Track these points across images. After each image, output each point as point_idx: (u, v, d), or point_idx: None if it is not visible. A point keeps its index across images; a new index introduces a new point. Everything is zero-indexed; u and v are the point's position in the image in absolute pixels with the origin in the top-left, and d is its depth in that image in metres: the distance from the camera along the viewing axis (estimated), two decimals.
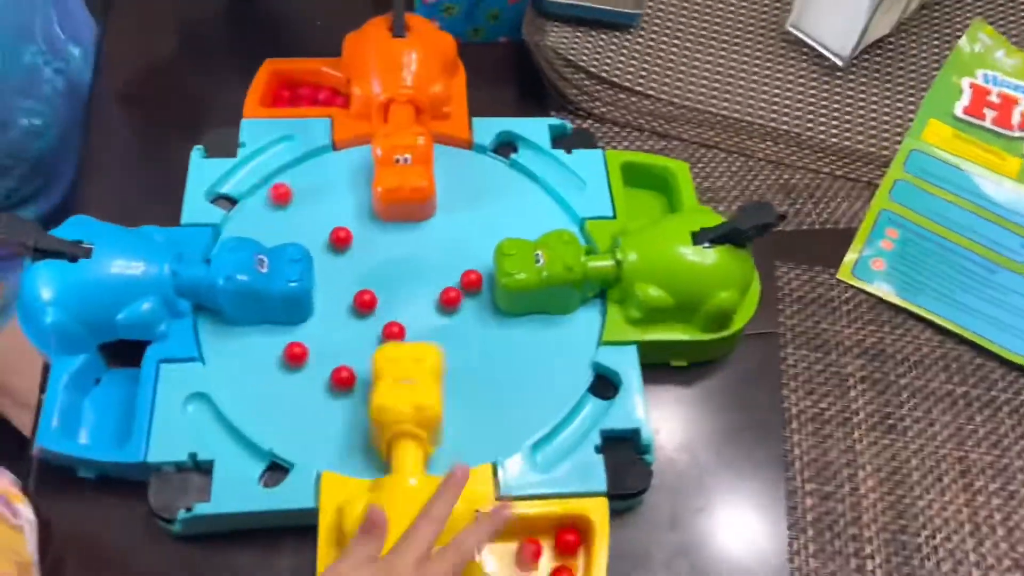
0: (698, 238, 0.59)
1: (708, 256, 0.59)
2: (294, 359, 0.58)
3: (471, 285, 0.62)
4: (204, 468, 0.54)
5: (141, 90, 0.77)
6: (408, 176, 0.63)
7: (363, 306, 0.61)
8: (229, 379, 0.57)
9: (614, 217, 0.66)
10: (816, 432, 0.61)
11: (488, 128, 0.70)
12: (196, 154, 0.67)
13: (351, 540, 0.48)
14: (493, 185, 0.68)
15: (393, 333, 0.60)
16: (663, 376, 0.62)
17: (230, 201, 0.66)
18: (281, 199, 0.65)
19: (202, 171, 0.66)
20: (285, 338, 0.59)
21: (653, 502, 0.57)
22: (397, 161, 0.63)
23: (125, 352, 0.59)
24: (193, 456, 0.54)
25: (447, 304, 0.61)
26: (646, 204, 0.70)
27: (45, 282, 0.55)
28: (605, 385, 0.59)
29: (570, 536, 0.54)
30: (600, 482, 0.55)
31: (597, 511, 0.53)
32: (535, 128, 0.70)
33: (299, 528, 0.53)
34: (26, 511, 0.51)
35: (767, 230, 0.58)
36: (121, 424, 0.57)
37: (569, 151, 0.69)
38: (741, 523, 0.58)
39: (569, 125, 0.71)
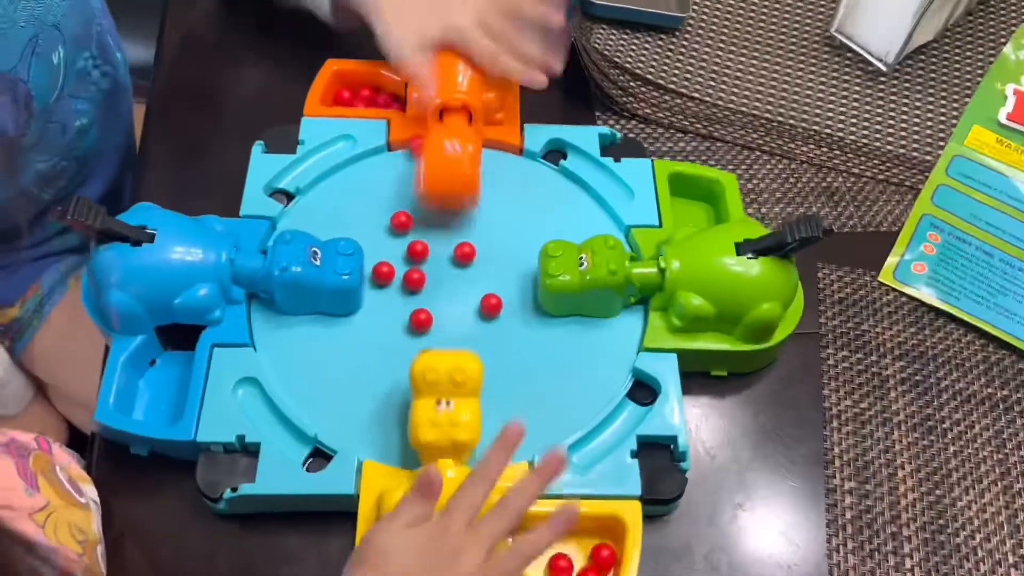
0: (742, 249, 0.60)
1: (752, 267, 0.59)
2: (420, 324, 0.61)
3: (491, 309, 0.63)
4: (251, 450, 0.56)
5: (202, 88, 0.80)
6: (454, 159, 0.64)
7: (418, 324, 0.62)
8: (279, 366, 0.59)
9: (660, 226, 0.67)
10: (856, 432, 0.61)
11: (539, 135, 0.71)
12: (257, 149, 0.69)
13: (402, 498, 0.49)
14: (541, 190, 0.70)
15: (420, 321, 0.61)
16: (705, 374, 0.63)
17: (287, 196, 0.68)
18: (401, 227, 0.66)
19: (262, 166, 0.68)
20: (335, 329, 0.61)
21: (692, 497, 0.58)
22: (446, 148, 0.65)
23: (180, 336, 0.61)
24: (241, 438, 0.56)
25: (487, 311, 0.63)
26: (692, 214, 0.70)
27: (110, 264, 0.57)
28: (644, 391, 0.60)
29: (606, 551, 0.54)
30: (635, 486, 0.55)
31: (631, 513, 0.54)
32: (585, 136, 0.71)
33: (347, 513, 0.55)
34: (91, 491, 0.54)
35: (813, 243, 0.58)
36: (174, 404, 0.59)
37: (618, 159, 0.70)
38: (780, 519, 0.58)
39: (619, 134, 0.72)
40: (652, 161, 0.70)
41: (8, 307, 0.79)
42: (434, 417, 0.53)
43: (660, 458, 0.57)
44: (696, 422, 0.61)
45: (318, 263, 0.60)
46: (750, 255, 0.59)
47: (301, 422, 0.56)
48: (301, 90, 0.73)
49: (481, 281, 0.64)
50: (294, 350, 0.60)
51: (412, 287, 0.63)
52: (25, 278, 0.80)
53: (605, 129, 0.71)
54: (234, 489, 0.54)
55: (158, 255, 0.58)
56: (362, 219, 0.66)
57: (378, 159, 0.70)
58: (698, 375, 0.63)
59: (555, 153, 0.71)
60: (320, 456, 0.56)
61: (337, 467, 0.55)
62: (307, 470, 0.55)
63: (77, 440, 0.82)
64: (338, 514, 0.55)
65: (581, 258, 0.61)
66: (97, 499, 0.54)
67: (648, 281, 0.61)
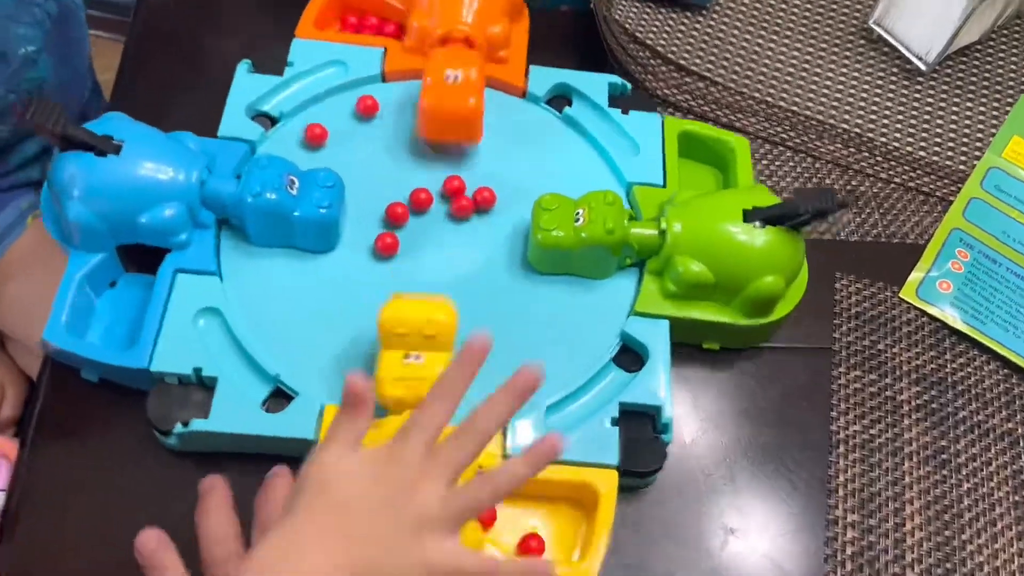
0: (750, 216, 0.56)
1: (758, 236, 0.56)
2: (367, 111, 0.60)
3: (484, 202, 0.60)
4: (207, 384, 0.52)
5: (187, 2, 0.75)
6: (456, 90, 0.60)
7: (385, 249, 0.58)
8: (245, 299, 0.56)
9: (664, 186, 0.63)
10: (864, 460, 0.57)
11: (544, 78, 0.67)
12: (242, 68, 0.65)
13: (331, 422, 0.42)
14: (541, 137, 0.65)
15: (387, 245, 0.58)
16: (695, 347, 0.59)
17: (271, 120, 0.63)
18: (367, 111, 0.63)
19: (246, 86, 0.64)
20: (307, 265, 0.58)
21: (673, 479, 0.55)
22: (447, 78, 0.60)
23: (144, 259, 0.57)
24: (198, 371, 0.52)
25: (481, 203, 0.60)
26: (699, 178, 0.66)
27: (71, 173, 0.53)
28: (631, 357, 0.57)
29: (534, 542, 0.51)
30: (612, 455, 0.52)
31: (605, 483, 0.51)
32: (594, 83, 0.67)
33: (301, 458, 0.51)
34: None
35: (825, 216, 0.55)
36: (130, 329, 0.55)
37: (626, 112, 0.66)
38: (774, 547, 0.54)
39: (629, 85, 0.67)
40: (663, 117, 0.66)
41: None
42: (401, 371, 0.50)
43: (641, 429, 0.54)
44: (689, 435, 0.57)
45: (295, 192, 0.56)
46: (758, 223, 0.56)
47: (263, 359, 0.53)
48: (296, 13, 0.68)
49: (468, 228, 0.60)
50: (262, 283, 0.57)
51: (394, 223, 0.59)
52: None
53: (616, 77, 0.67)
54: (185, 424, 0.51)
55: (124, 168, 0.54)
56: (350, 152, 0.62)
57: (370, 89, 0.66)
58: (688, 349, 0.59)
59: (560, 99, 0.67)
60: (281, 396, 0.53)
61: (298, 409, 0.52)
62: (266, 410, 0.52)
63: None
64: (298, 459, 0.52)
65: (577, 213, 0.57)
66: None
67: (646, 242, 0.57)
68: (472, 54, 0.63)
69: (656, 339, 0.56)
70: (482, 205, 0.61)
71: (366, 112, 0.63)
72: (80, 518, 0.52)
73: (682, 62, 0.71)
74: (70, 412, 0.55)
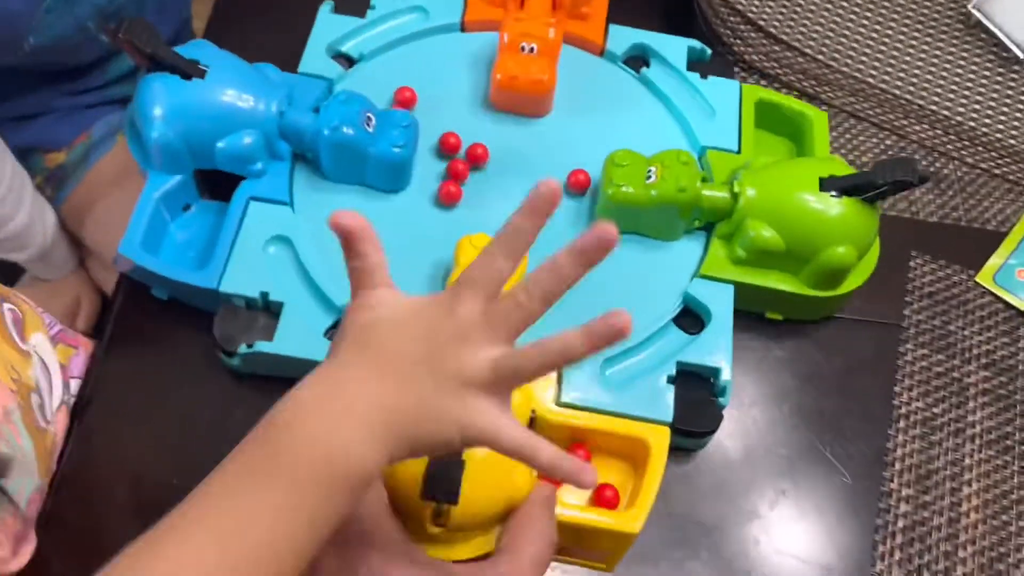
0: (826, 185, 0.55)
1: (833, 206, 0.55)
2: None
3: (578, 185, 0.59)
4: (273, 309, 0.53)
5: None
6: (530, 66, 0.60)
7: (448, 198, 0.58)
8: (315, 230, 0.56)
9: (738, 152, 0.62)
10: (924, 437, 0.56)
11: (624, 37, 0.66)
12: (325, 8, 0.65)
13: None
14: (617, 97, 0.65)
15: (478, 156, 0.58)
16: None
17: (349, 61, 0.64)
18: (405, 104, 0.62)
19: (328, 25, 0.64)
20: (378, 203, 0.58)
21: (724, 472, 0.54)
22: (523, 49, 0.61)
23: (219, 185, 0.58)
24: (264, 295, 0.53)
25: (575, 187, 0.59)
26: (774, 148, 0.65)
27: (156, 94, 0.54)
28: (692, 320, 0.56)
29: (609, 492, 0.50)
30: (667, 412, 0.52)
31: (657, 438, 0.50)
32: (673, 46, 0.66)
33: None
34: (43, 346, 0.51)
35: (905, 188, 0.53)
36: (201, 252, 0.57)
37: (705, 76, 0.65)
38: (826, 514, 0.54)
39: (709, 50, 0.66)
40: (740, 84, 0.65)
41: (55, 151, 0.77)
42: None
43: (699, 390, 0.54)
44: (737, 393, 0.57)
45: (371, 130, 0.56)
46: (834, 193, 0.55)
47: (329, 289, 0.54)
48: None
49: (537, 178, 0.60)
50: None
51: (469, 171, 0.60)
52: (76, 125, 0.77)
53: (695, 42, 0.66)
54: (250, 345, 0.52)
55: (207, 93, 0.55)
56: (423, 99, 0.63)
57: (449, 38, 0.66)
58: (751, 319, 0.59)
59: (637, 60, 0.67)
60: None
61: None
62: (328, 338, 0.53)
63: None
64: None
65: (649, 171, 0.57)
66: (48, 358, 0.51)
67: (718, 205, 0.57)
68: (549, 18, 0.62)
69: (719, 303, 0.56)
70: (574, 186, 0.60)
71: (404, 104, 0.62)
72: (141, 421, 0.54)
73: (772, 31, 0.70)
74: (141, 327, 0.57)
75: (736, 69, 0.70)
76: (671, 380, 0.53)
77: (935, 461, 0.55)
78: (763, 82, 0.70)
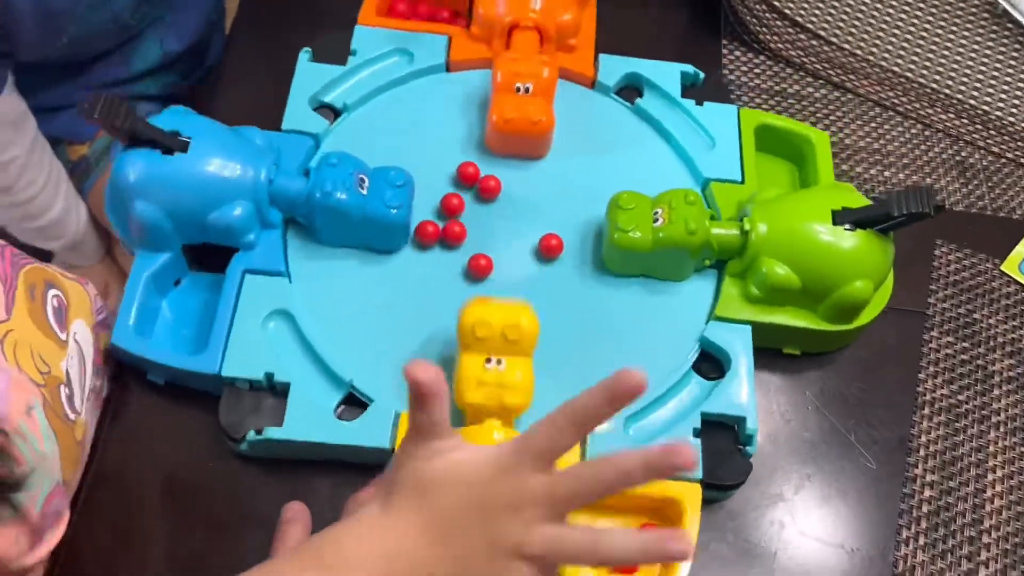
0: (839, 217, 0.53)
1: (847, 239, 0.53)
2: (479, 270, 0.55)
3: (550, 251, 0.57)
4: (279, 390, 0.51)
5: None
6: (527, 107, 0.58)
7: (453, 238, 0.57)
8: (314, 301, 0.54)
9: (742, 182, 0.60)
10: (948, 423, 0.56)
11: (615, 67, 0.64)
12: (303, 57, 0.63)
13: (409, 418, 0.39)
14: (612, 131, 0.63)
15: (480, 267, 0.56)
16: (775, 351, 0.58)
17: (334, 112, 0.61)
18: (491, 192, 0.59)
19: (308, 76, 0.62)
20: (377, 265, 0.56)
21: (758, 462, 0.53)
22: (518, 90, 0.59)
23: (208, 257, 0.56)
24: (269, 376, 0.51)
25: (546, 252, 0.57)
26: (777, 173, 0.64)
27: (136, 170, 0.51)
28: (710, 364, 0.55)
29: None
30: (696, 469, 0.50)
31: (690, 498, 0.49)
32: (665, 73, 0.64)
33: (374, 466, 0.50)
34: (83, 334, 0.50)
35: (920, 219, 0.52)
36: (198, 331, 0.54)
37: (700, 103, 0.63)
38: (849, 498, 0.54)
39: (702, 74, 0.65)
40: (738, 108, 0.63)
41: (79, 144, 0.78)
42: (482, 376, 0.48)
43: (723, 439, 0.52)
44: (768, 382, 0.57)
45: (365, 192, 0.54)
46: (848, 226, 0.53)
47: (336, 364, 0.51)
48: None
49: (538, 227, 0.58)
50: (332, 284, 0.55)
51: (453, 241, 0.57)
52: None
53: (688, 67, 0.64)
54: (259, 431, 0.50)
55: (192, 166, 0.52)
56: (414, 147, 0.60)
57: (435, 79, 0.64)
58: (765, 351, 0.57)
59: (630, 90, 0.65)
60: (354, 404, 0.51)
61: (372, 417, 0.50)
62: (339, 417, 0.51)
63: None
64: (371, 467, 0.51)
65: (656, 213, 0.55)
66: (85, 345, 0.50)
67: (728, 244, 0.55)
68: (541, 55, 0.60)
69: (738, 345, 0.54)
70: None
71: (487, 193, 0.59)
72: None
73: (798, 19, 0.70)
74: (137, 415, 0.54)
75: (766, 67, 0.69)
76: (697, 433, 0.51)
77: (959, 448, 0.56)
78: (789, 70, 0.69)
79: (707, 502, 0.52)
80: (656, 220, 0.55)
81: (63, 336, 0.48)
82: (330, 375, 0.52)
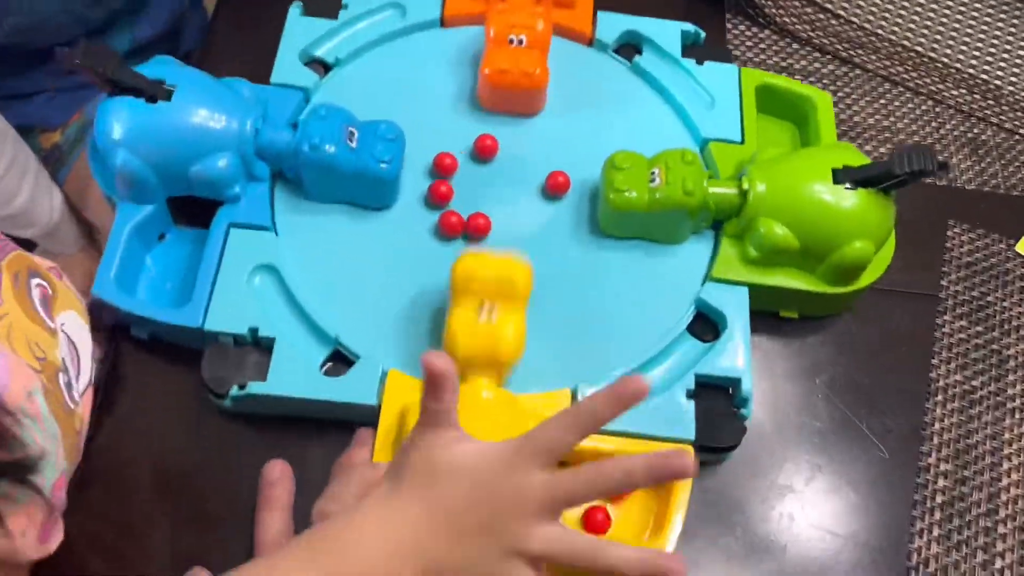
0: (840, 176, 0.52)
1: (848, 198, 0.52)
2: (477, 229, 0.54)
3: (556, 188, 0.56)
4: (264, 345, 0.50)
5: None
6: (520, 60, 0.57)
7: (440, 198, 0.55)
8: (301, 256, 0.53)
9: (742, 142, 0.59)
10: (963, 410, 0.55)
11: (613, 25, 0.63)
12: (294, 11, 0.61)
13: (421, 405, 0.39)
14: (611, 90, 0.62)
15: (478, 226, 0.54)
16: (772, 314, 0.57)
17: (324, 67, 0.60)
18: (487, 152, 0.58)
19: (298, 30, 0.60)
20: (366, 221, 0.55)
21: (757, 446, 0.53)
22: (511, 42, 0.57)
23: (193, 211, 0.55)
24: (254, 331, 0.50)
25: (552, 190, 0.56)
26: (778, 135, 0.62)
27: (119, 119, 0.50)
28: (706, 326, 0.54)
29: (600, 515, 0.48)
30: (688, 430, 0.49)
31: None
32: (666, 31, 0.63)
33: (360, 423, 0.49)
34: (72, 324, 0.48)
35: (923, 178, 0.51)
36: (182, 286, 0.53)
37: (701, 63, 0.62)
38: (861, 489, 0.52)
39: (703, 33, 0.63)
40: (739, 68, 0.62)
41: (50, 131, 0.75)
42: (474, 328, 0.47)
43: (718, 401, 0.51)
44: (775, 366, 0.55)
45: (354, 145, 0.53)
46: (848, 185, 0.52)
47: (322, 320, 0.50)
48: None
49: (531, 188, 0.57)
50: (319, 240, 0.54)
51: (446, 174, 0.57)
52: (69, 104, 0.74)
53: (688, 25, 0.63)
54: (242, 386, 0.49)
55: (175, 115, 0.51)
56: (407, 102, 0.59)
57: (429, 35, 0.62)
58: (764, 316, 0.56)
59: (629, 48, 0.63)
60: (340, 360, 0.50)
61: (359, 374, 0.49)
62: (325, 374, 0.50)
63: None
64: (357, 424, 0.50)
65: (652, 173, 0.54)
66: (77, 336, 0.49)
67: (726, 204, 0.54)
68: (535, 8, 0.59)
69: (734, 307, 0.53)
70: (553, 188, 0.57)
71: (485, 153, 0.58)
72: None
73: None
74: (121, 370, 0.53)
75: (772, 41, 0.68)
76: (691, 395, 0.50)
77: (974, 435, 0.54)
78: (795, 44, 0.68)
79: (702, 464, 0.51)
80: (653, 180, 0.53)
81: (52, 325, 0.47)
82: (316, 331, 0.50)
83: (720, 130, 0.59)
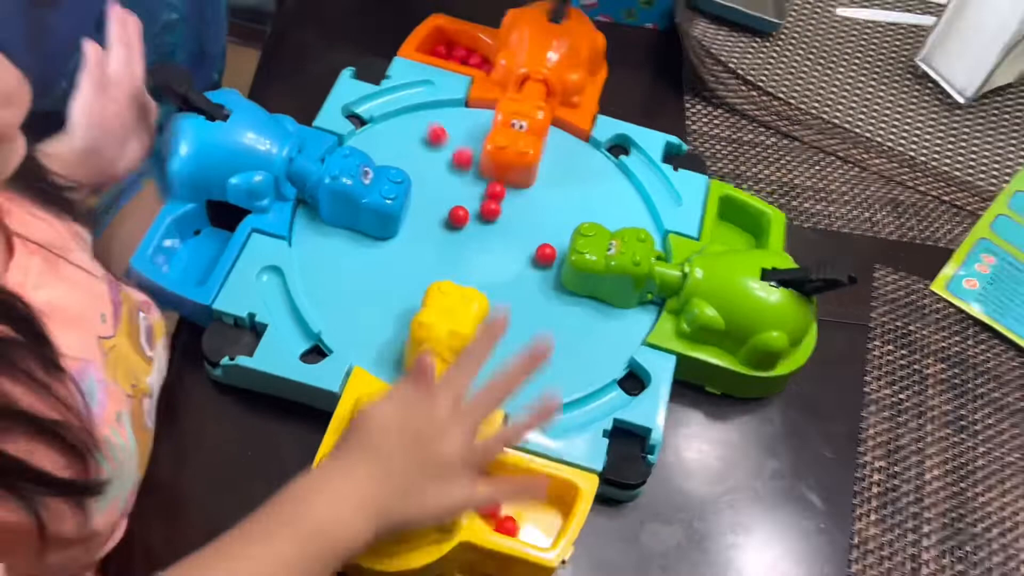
0: (767, 275, 0.61)
1: (771, 294, 0.60)
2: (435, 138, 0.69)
3: (544, 259, 0.66)
4: (257, 330, 0.59)
5: (317, 14, 0.86)
6: (519, 141, 0.68)
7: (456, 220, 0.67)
8: (305, 264, 0.63)
9: (698, 239, 0.68)
10: (891, 419, 0.65)
11: (609, 127, 0.74)
12: (346, 73, 0.73)
13: (397, 383, 0.50)
14: (595, 177, 0.72)
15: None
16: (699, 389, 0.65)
17: (360, 121, 0.72)
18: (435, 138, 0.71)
19: (346, 88, 0.72)
20: (366, 248, 0.65)
21: (732, 447, 0.63)
22: (513, 125, 0.68)
23: (228, 217, 0.65)
24: (252, 316, 0.59)
25: (541, 260, 0.66)
26: (731, 241, 0.71)
27: (183, 130, 0.62)
28: (634, 383, 0.61)
29: (509, 523, 0.55)
30: (598, 461, 0.57)
31: (587, 483, 0.55)
32: (652, 139, 0.73)
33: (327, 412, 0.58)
34: (161, 348, 0.57)
35: (835, 288, 0.59)
36: (204, 273, 0.63)
37: (676, 169, 0.72)
38: (810, 483, 0.62)
39: (685, 146, 0.73)
40: (708, 179, 0.72)
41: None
42: (438, 316, 0.57)
43: (630, 448, 0.58)
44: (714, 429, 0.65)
45: (367, 182, 0.63)
46: (773, 283, 0.60)
47: (309, 317, 0.60)
48: (403, 37, 0.77)
49: (512, 242, 0.67)
50: (324, 255, 0.64)
51: (454, 224, 0.67)
52: None
53: (674, 137, 0.73)
54: (232, 358, 0.58)
55: (228, 134, 0.62)
56: (422, 160, 0.70)
57: (454, 111, 0.74)
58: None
59: (619, 148, 0.74)
60: (317, 353, 0.59)
61: (330, 365, 0.58)
62: (302, 360, 0.59)
63: None
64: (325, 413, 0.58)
65: (611, 244, 0.63)
66: (163, 357, 0.58)
67: (668, 281, 0.62)
68: (542, 101, 0.70)
69: (660, 369, 0.61)
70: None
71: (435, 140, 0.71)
72: None
73: (749, 78, 0.82)
74: None
75: (722, 119, 0.81)
76: (606, 434, 0.58)
77: (902, 439, 0.64)
78: (743, 121, 0.80)
79: (608, 501, 0.58)
80: (610, 249, 0.63)
81: (150, 354, 0.55)
82: (303, 325, 0.60)
83: (681, 225, 0.69)
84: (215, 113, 0.62)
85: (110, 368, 0.49)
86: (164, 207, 0.64)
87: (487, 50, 0.78)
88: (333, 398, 0.57)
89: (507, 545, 0.52)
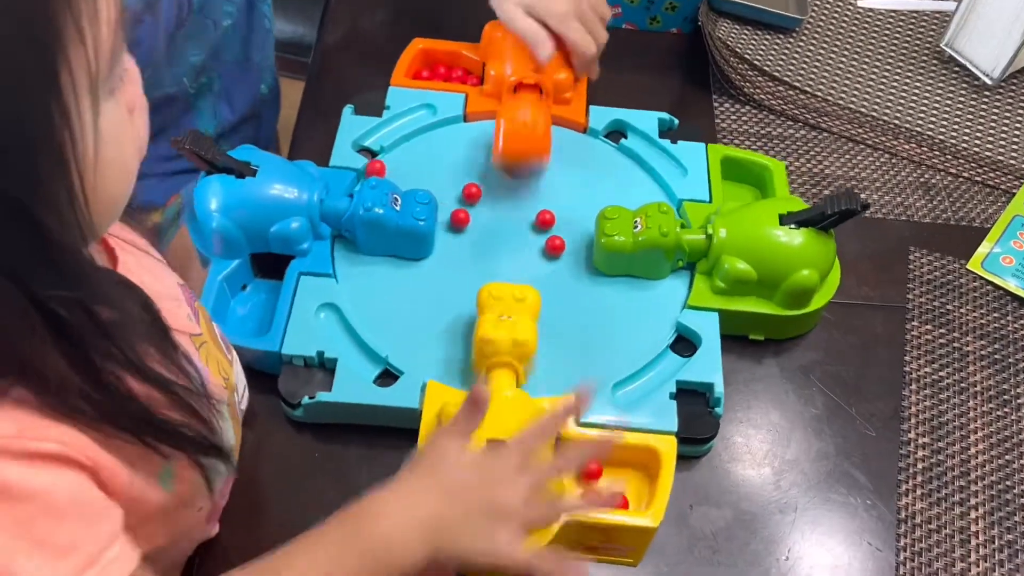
0: (785, 220, 0.65)
1: (793, 237, 0.65)
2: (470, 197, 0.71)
3: (555, 250, 0.69)
4: (328, 366, 0.62)
5: (356, 44, 0.89)
6: (528, 124, 0.71)
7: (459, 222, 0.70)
8: (356, 296, 0.66)
9: (710, 201, 0.72)
10: (933, 396, 0.67)
11: (603, 115, 0.78)
12: (347, 111, 0.76)
13: (456, 414, 0.53)
14: (602, 165, 0.76)
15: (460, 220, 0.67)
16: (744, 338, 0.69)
17: (371, 153, 0.75)
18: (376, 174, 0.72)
19: (351, 125, 0.76)
20: (407, 270, 0.68)
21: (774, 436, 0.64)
22: (521, 116, 0.71)
23: (269, 266, 0.68)
24: (320, 354, 0.62)
25: (551, 251, 0.69)
26: (741, 196, 0.75)
27: (215, 192, 0.64)
28: (686, 345, 0.65)
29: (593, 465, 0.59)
30: (672, 423, 0.60)
31: (666, 447, 0.59)
32: (645, 119, 0.77)
33: (403, 431, 0.61)
34: (234, 354, 0.60)
35: (850, 217, 0.63)
36: (260, 323, 0.66)
37: (675, 142, 0.76)
38: (855, 461, 0.64)
39: (676, 120, 0.78)
40: (706, 145, 0.76)
41: (153, 211, 0.85)
42: (497, 324, 0.60)
43: (696, 404, 0.62)
44: (769, 371, 0.68)
45: (398, 208, 0.67)
46: (792, 225, 0.65)
47: (374, 344, 0.63)
48: (391, 65, 0.80)
49: (534, 238, 0.70)
50: (370, 283, 0.67)
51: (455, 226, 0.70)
52: (170, 187, 0.86)
53: (665, 114, 0.77)
54: (311, 396, 0.61)
55: (259, 188, 0.65)
56: (437, 178, 0.73)
57: (455, 127, 0.77)
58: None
59: (616, 133, 0.78)
60: (389, 375, 0.62)
61: (404, 384, 0.61)
62: (377, 385, 0.62)
63: None
64: (403, 433, 0.60)
65: (636, 221, 0.67)
66: (239, 361, 0.60)
67: (696, 246, 0.66)
68: (539, 99, 0.73)
69: (707, 328, 0.65)
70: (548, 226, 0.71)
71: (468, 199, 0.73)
72: None
73: (775, 74, 0.85)
74: None
75: (751, 115, 0.84)
76: (672, 396, 0.62)
77: (945, 415, 0.66)
78: (771, 116, 0.83)
79: (685, 457, 0.62)
80: (636, 227, 0.66)
81: (229, 356, 0.58)
82: (370, 353, 0.63)
83: (692, 192, 0.73)
84: (243, 171, 0.65)
85: (204, 358, 0.52)
86: (211, 267, 0.66)
87: (469, 64, 0.82)
88: (414, 414, 0.60)
89: (611, 518, 0.55)
